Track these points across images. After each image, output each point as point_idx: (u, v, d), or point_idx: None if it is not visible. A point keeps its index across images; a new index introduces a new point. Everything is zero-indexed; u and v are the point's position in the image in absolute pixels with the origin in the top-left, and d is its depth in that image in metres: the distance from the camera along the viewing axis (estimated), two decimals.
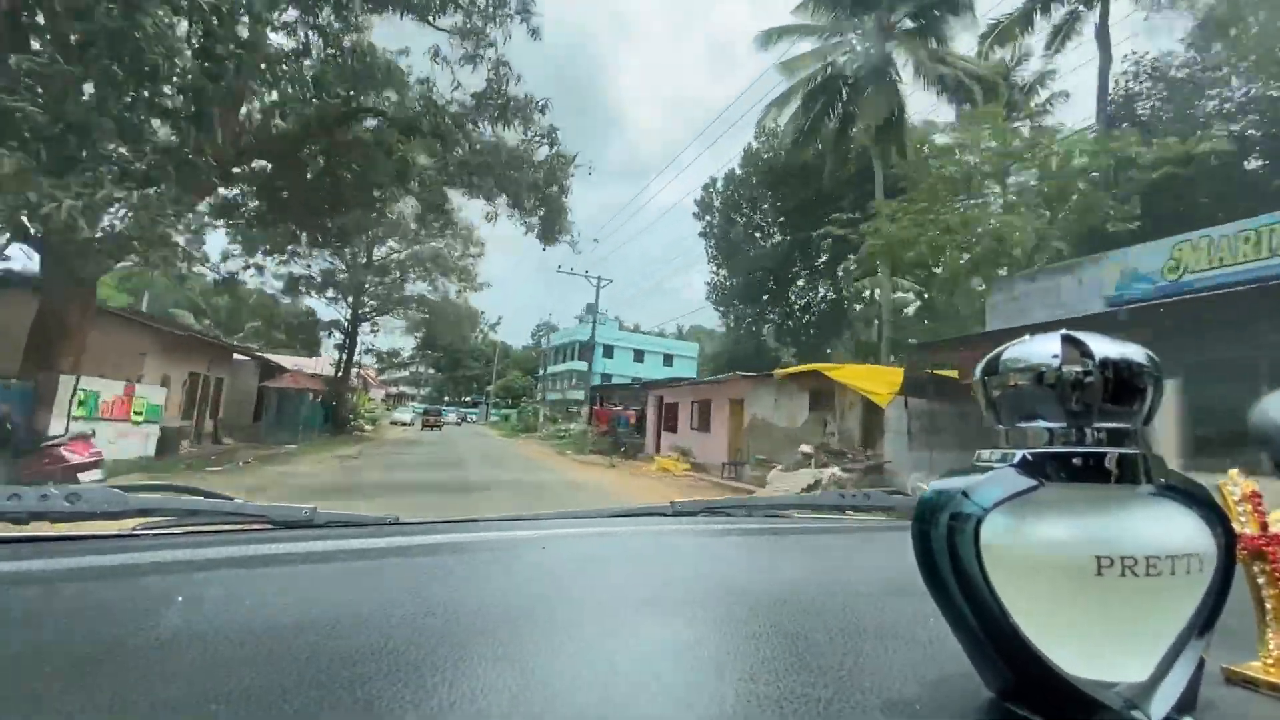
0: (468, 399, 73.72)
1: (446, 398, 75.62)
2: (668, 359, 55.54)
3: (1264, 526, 0.45)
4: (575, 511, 1.27)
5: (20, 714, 0.40)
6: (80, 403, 10.82)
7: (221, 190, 13.02)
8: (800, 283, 29.05)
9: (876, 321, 21.59)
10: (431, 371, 74.87)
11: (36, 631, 0.55)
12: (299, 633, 0.54)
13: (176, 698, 0.43)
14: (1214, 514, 0.38)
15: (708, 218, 30.84)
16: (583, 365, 47.04)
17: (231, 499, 1.13)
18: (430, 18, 11.61)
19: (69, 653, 0.49)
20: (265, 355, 24.77)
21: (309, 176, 12.91)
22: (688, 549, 0.97)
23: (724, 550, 0.99)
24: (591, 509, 1.30)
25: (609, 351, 50.74)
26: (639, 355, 54.38)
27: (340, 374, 28.35)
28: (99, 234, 8.36)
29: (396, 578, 0.76)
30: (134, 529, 0.92)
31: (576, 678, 0.47)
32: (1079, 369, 0.37)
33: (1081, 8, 17.33)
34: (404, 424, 42.63)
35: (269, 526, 0.98)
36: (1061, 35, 18.00)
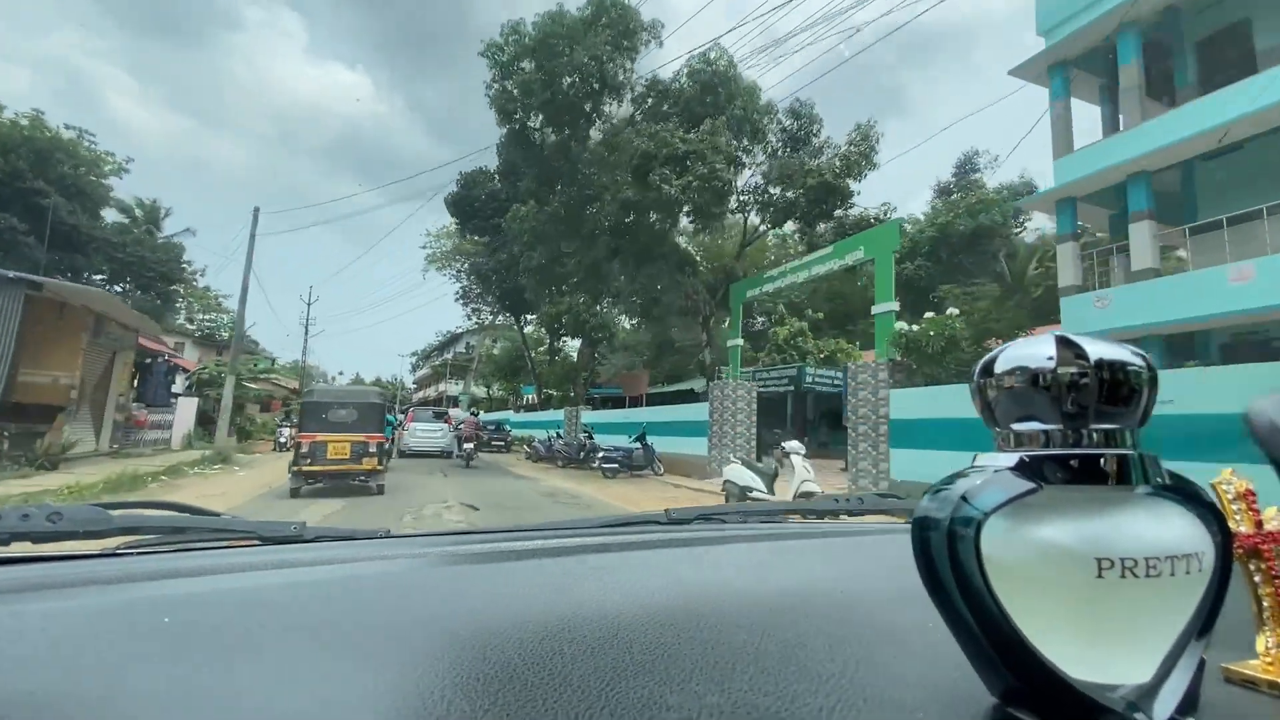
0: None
1: (518, 397, 30.08)
2: None
3: (1259, 524, 0.45)
4: (568, 522, 1.26)
5: None
6: None
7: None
8: None
9: None
10: (489, 350, 31.64)
11: (13, 654, 0.53)
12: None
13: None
14: (1210, 513, 0.38)
15: None
16: None
17: (218, 514, 1.11)
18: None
19: (48, 675, 0.48)
20: None
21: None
22: (683, 557, 0.96)
23: (719, 557, 0.98)
24: (584, 519, 1.29)
25: None
26: None
27: None
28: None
29: (387, 593, 0.75)
30: (117, 548, 0.90)
31: (576, 690, 0.46)
32: (1074, 370, 0.37)
33: None
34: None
35: (257, 543, 0.96)
36: None
